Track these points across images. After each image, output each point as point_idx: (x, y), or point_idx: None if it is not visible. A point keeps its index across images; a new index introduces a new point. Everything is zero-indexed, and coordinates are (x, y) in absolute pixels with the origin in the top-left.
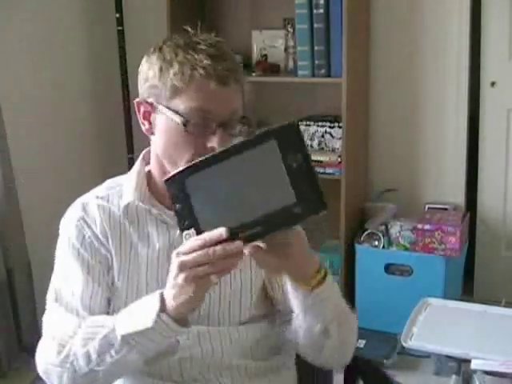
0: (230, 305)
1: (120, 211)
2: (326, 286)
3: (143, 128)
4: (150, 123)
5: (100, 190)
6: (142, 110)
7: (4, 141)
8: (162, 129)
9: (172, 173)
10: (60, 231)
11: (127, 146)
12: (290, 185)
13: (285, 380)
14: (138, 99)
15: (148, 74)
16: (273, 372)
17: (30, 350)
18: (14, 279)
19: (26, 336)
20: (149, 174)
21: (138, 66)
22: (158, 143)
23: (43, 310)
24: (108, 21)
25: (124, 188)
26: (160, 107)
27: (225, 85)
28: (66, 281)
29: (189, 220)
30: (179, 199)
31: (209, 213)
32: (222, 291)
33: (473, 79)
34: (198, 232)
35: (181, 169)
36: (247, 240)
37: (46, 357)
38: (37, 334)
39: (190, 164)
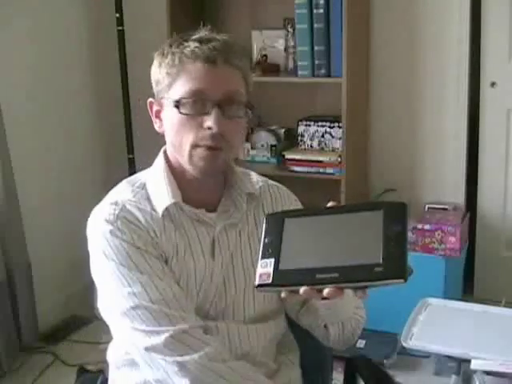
0: (254, 297)
1: (158, 214)
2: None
3: (156, 127)
4: (160, 121)
5: (127, 193)
6: (154, 109)
7: (4, 141)
8: (167, 121)
9: (276, 211)
10: (105, 238)
11: (127, 146)
12: (381, 248)
13: (292, 377)
14: (150, 99)
15: (152, 72)
16: (281, 370)
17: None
18: (14, 279)
19: (26, 336)
20: (173, 174)
21: (139, 66)
22: (167, 138)
23: (43, 310)
24: (108, 21)
25: (150, 190)
26: (162, 100)
27: (212, 64)
28: (146, 282)
29: (272, 251)
30: (272, 233)
31: (293, 251)
32: (246, 284)
33: (473, 79)
34: (276, 263)
35: (286, 210)
36: (321, 282)
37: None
38: (37, 334)
39: (297, 209)
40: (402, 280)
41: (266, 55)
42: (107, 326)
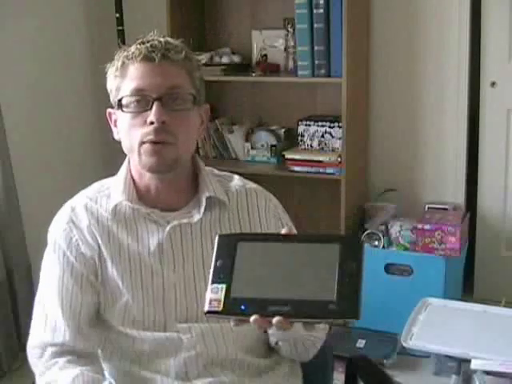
0: None
1: (107, 213)
2: None
3: (114, 135)
4: (117, 128)
5: (89, 191)
6: (113, 118)
7: (4, 141)
8: (119, 126)
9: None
10: (48, 235)
11: None
12: (335, 283)
13: (289, 377)
14: (109, 109)
15: (107, 83)
16: (275, 368)
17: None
18: (14, 280)
19: (26, 336)
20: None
21: None
22: (122, 144)
23: None
24: (108, 21)
25: (112, 190)
26: (115, 107)
27: (150, 61)
28: (51, 284)
29: (224, 276)
30: (223, 256)
31: (246, 278)
32: None
33: (473, 79)
34: (227, 290)
35: (239, 232)
36: (273, 315)
37: (30, 355)
38: None
39: (251, 233)
40: (355, 319)
41: (266, 55)
42: None
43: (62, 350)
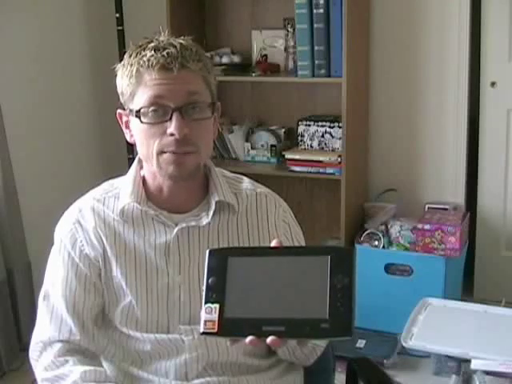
0: None
1: (115, 214)
2: None
3: (127, 137)
4: (131, 131)
5: (97, 192)
6: (123, 120)
7: (4, 141)
8: (134, 131)
9: (220, 247)
10: (55, 234)
11: (127, 146)
12: (327, 301)
13: (290, 372)
14: (119, 110)
15: (117, 84)
16: (275, 366)
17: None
18: (14, 279)
19: (26, 336)
20: (144, 178)
21: None
22: (137, 147)
23: None
24: (108, 21)
25: (121, 191)
26: (128, 111)
27: (169, 71)
28: (55, 283)
29: (217, 295)
30: (215, 273)
31: (238, 296)
32: None
33: (473, 79)
34: (221, 309)
35: (229, 247)
36: (267, 334)
37: (32, 354)
38: None
39: (241, 247)
40: (348, 337)
41: (266, 55)
42: None
43: (70, 348)
